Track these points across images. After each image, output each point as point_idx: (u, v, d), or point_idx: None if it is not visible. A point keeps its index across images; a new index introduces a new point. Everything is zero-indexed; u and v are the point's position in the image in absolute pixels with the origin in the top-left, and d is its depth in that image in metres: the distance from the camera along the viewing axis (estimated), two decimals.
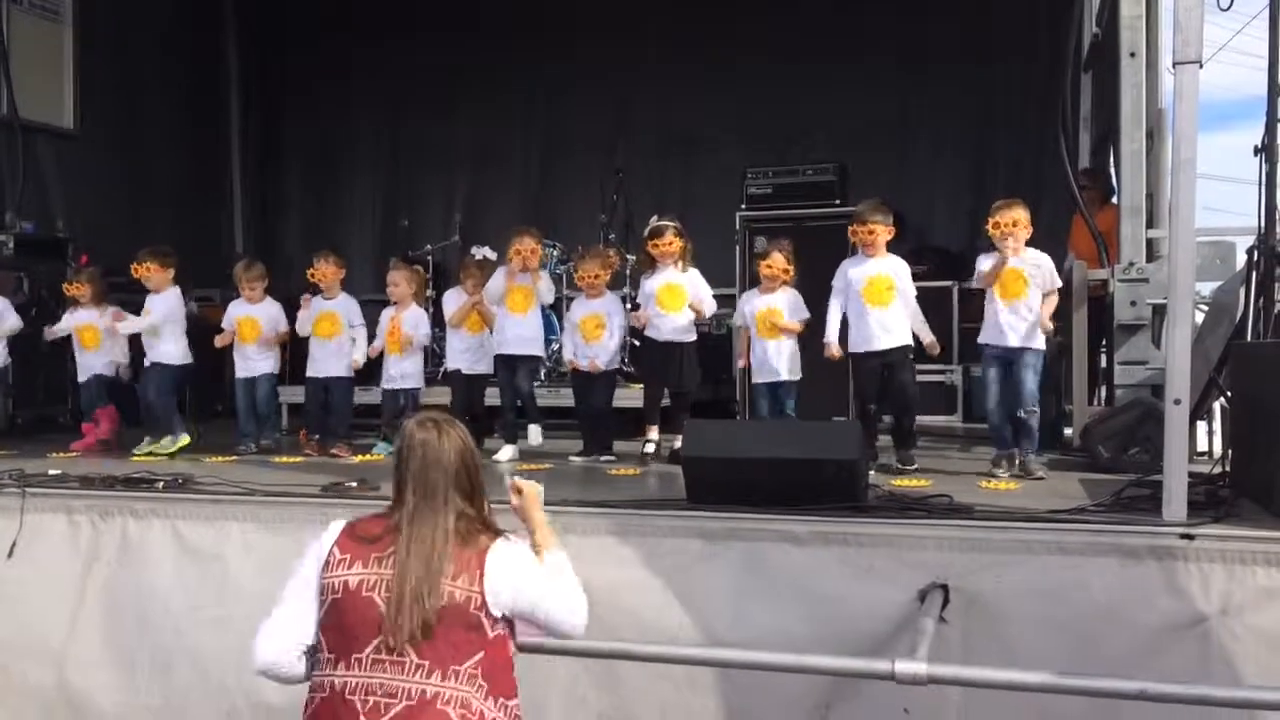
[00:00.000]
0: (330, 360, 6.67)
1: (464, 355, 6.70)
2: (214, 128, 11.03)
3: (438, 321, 7.43)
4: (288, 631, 2.74)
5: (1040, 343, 5.45)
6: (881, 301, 5.69)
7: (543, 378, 7.68)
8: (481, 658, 2.65)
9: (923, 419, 6.77)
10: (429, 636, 2.59)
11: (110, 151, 9.39)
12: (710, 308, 6.41)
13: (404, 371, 6.69)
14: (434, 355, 7.90)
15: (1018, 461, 5.42)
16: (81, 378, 6.96)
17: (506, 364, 6.49)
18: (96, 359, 6.90)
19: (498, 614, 2.68)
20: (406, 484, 2.75)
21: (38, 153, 8.72)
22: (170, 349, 6.67)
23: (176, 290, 6.77)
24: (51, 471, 5.46)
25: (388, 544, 2.68)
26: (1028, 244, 5.45)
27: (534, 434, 6.40)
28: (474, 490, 2.78)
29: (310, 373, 6.74)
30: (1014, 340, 5.40)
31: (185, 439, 6.56)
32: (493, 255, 8.09)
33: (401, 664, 2.60)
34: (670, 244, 6.20)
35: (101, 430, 6.84)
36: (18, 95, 8.42)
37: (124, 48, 9.57)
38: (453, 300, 6.83)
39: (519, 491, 2.98)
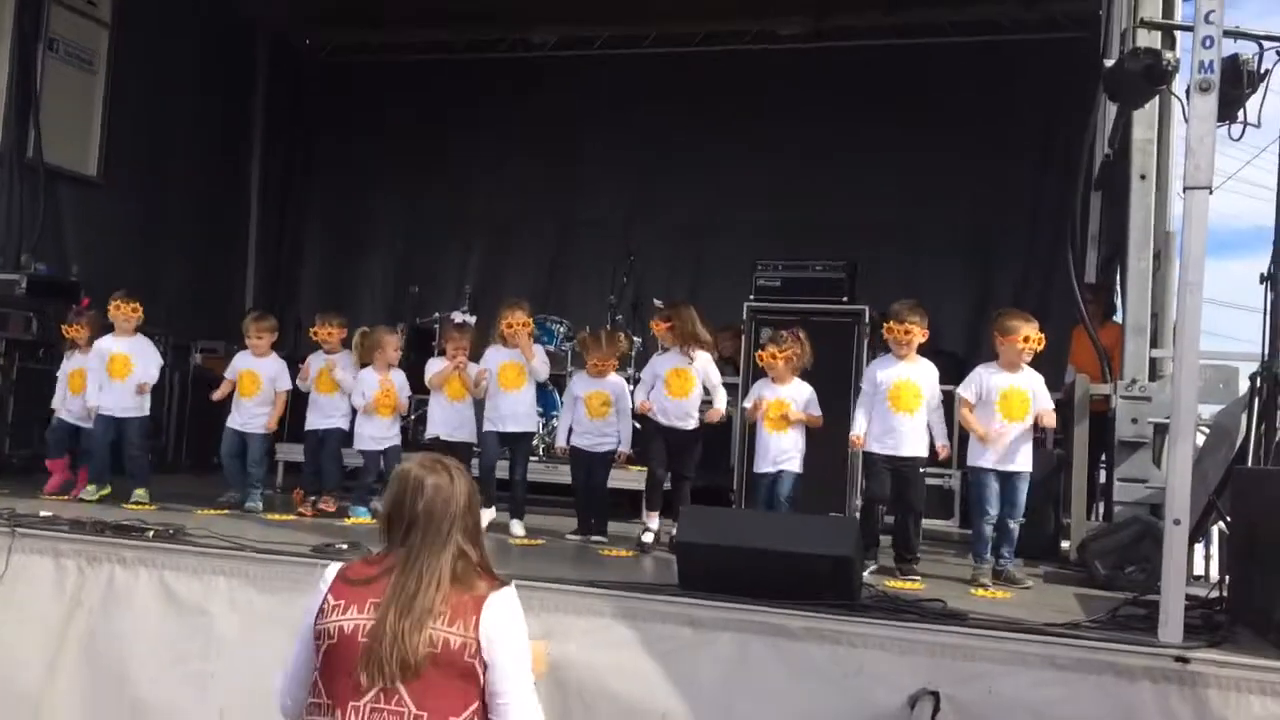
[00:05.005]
0: (329, 414, 6.70)
1: (444, 423, 6.55)
2: (235, 186, 11.20)
3: (417, 388, 7.34)
4: (297, 683, 2.69)
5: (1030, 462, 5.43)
6: (907, 408, 5.62)
7: (540, 454, 7.66)
8: (477, 707, 2.58)
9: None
10: (410, 678, 2.51)
11: (131, 201, 9.51)
12: (720, 397, 6.29)
13: (393, 432, 6.67)
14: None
15: (996, 569, 5.34)
16: (56, 418, 6.87)
17: (500, 440, 6.44)
18: (77, 403, 6.80)
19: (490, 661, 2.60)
20: (408, 524, 2.64)
21: (59, 197, 8.85)
22: (147, 400, 6.71)
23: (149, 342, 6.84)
24: (43, 513, 5.43)
25: (383, 587, 2.60)
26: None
27: (515, 527, 6.29)
28: (477, 532, 2.71)
29: (310, 425, 6.76)
30: (1020, 462, 5.36)
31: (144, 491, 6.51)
32: (471, 319, 8.13)
33: (400, 714, 2.53)
34: (656, 326, 6.32)
35: (52, 484, 6.71)
36: (45, 140, 8.57)
37: (154, 103, 9.74)
38: (436, 366, 6.73)
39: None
